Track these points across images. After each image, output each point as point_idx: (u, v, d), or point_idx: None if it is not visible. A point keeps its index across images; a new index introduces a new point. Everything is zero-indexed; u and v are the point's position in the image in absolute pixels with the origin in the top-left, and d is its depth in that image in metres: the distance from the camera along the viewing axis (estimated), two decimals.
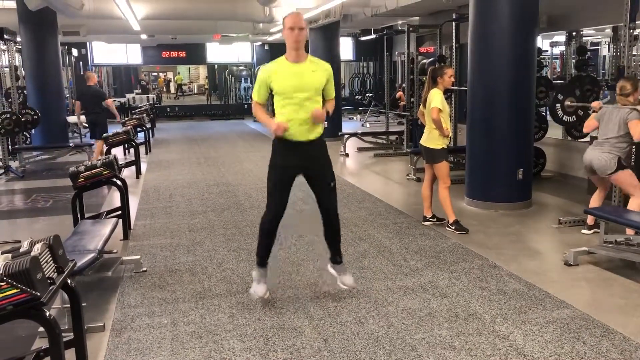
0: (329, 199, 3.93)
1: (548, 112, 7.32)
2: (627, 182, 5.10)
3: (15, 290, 2.43)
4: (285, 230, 5.68)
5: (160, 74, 37.87)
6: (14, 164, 10.19)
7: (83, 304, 3.06)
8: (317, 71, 3.81)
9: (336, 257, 4.08)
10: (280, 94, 3.76)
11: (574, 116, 6.69)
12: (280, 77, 3.75)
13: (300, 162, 3.81)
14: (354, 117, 19.20)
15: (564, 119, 6.70)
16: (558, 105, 6.62)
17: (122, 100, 20.80)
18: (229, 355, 3.28)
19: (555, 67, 15.03)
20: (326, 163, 3.92)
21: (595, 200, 5.42)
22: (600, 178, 5.29)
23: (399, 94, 14.07)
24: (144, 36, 17.43)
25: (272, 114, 3.90)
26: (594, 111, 5.49)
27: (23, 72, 12.31)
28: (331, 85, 3.90)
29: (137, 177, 9.04)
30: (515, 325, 3.56)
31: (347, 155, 11.03)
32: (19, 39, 11.93)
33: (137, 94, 23.92)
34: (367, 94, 20.16)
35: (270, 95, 3.87)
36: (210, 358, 3.25)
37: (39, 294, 2.47)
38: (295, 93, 3.72)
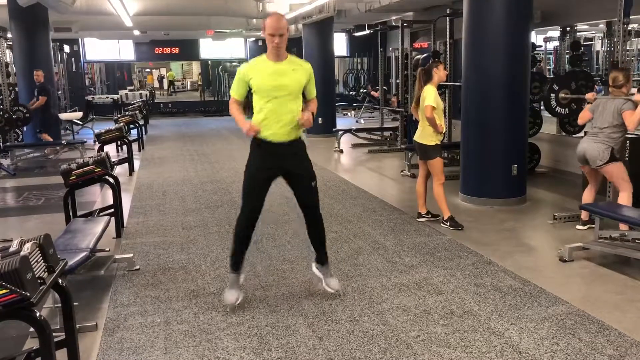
0: (311, 199, 3.85)
1: (542, 104, 7.28)
2: (618, 175, 5.09)
3: (4, 291, 2.39)
4: (279, 227, 5.69)
5: (154, 70, 37.67)
6: (6, 162, 10.12)
7: (75, 304, 3.03)
8: (298, 70, 3.74)
9: (321, 258, 4.00)
10: (259, 92, 3.68)
11: (567, 109, 6.68)
12: (259, 75, 3.68)
13: (279, 163, 3.73)
14: (348, 113, 19.17)
15: (557, 110, 6.67)
16: (552, 96, 6.60)
17: (115, 97, 20.69)
18: (222, 354, 3.25)
19: (541, 67, 15.01)
20: (306, 163, 3.84)
21: (587, 196, 5.41)
22: (592, 170, 5.29)
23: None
24: (136, 32, 17.33)
25: (251, 113, 3.81)
26: (588, 103, 5.48)
27: (14, 68, 12.20)
28: (312, 85, 3.84)
29: (130, 175, 8.99)
30: (511, 321, 3.55)
31: (341, 151, 11.00)
32: (9, 35, 11.83)
33: (129, 90, 23.80)
34: (362, 90, 20.12)
35: (250, 95, 3.79)
36: (204, 357, 3.22)
37: (28, 294, 2.43)
38: (275, 92, 3.65)
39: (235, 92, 3.80)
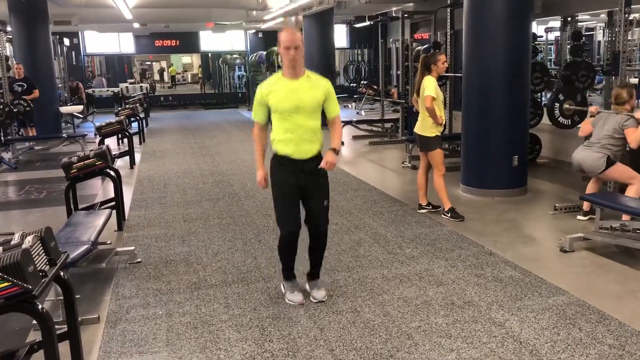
0: (320, 218, 3.79)
1: (545, 113, 7.28)
2: (623, 175, 5.09)
3: (6, 284, 2.40)
4: None
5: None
6: (7, 155, 10.12)
7: (77, 296, 3.04)
8: (315, 87, 3.67)
9: (313, 275, 3.95)
10: (277, 112, 3.64)
11: (569, 120, 6.70)
12: (276, 95, 3.62)
13: (298, 179, 3.67)
14: (349, 105, 19.13)
15: (560, 120, 6.69)
16: (557, 106, 6.60)
17: (116, 90, 20.67)
18: (224, 345, 3.27)
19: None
20: (323, 182, 3.78)
21: (591, 187, 5.42)
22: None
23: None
24: (136, 25, 17.28)
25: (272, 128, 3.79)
26: (591, 115, 5.48)
27: (14, 62, 12.18)
28: (333, 103, 3.74)
29: (131, 168, 8.99)
30: (511, 312, 3.56)
31: (342, 143, 10.98)
32: (9, 28, 11.80)
33: (130, 83, 23.73)
34: (362, 82, 20.07)
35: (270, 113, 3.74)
36: (206, 349, 3.24)
37: (30, 287, 2.44)
38: (292, 110, 3.60)
39: (257, 115, 3.75)
